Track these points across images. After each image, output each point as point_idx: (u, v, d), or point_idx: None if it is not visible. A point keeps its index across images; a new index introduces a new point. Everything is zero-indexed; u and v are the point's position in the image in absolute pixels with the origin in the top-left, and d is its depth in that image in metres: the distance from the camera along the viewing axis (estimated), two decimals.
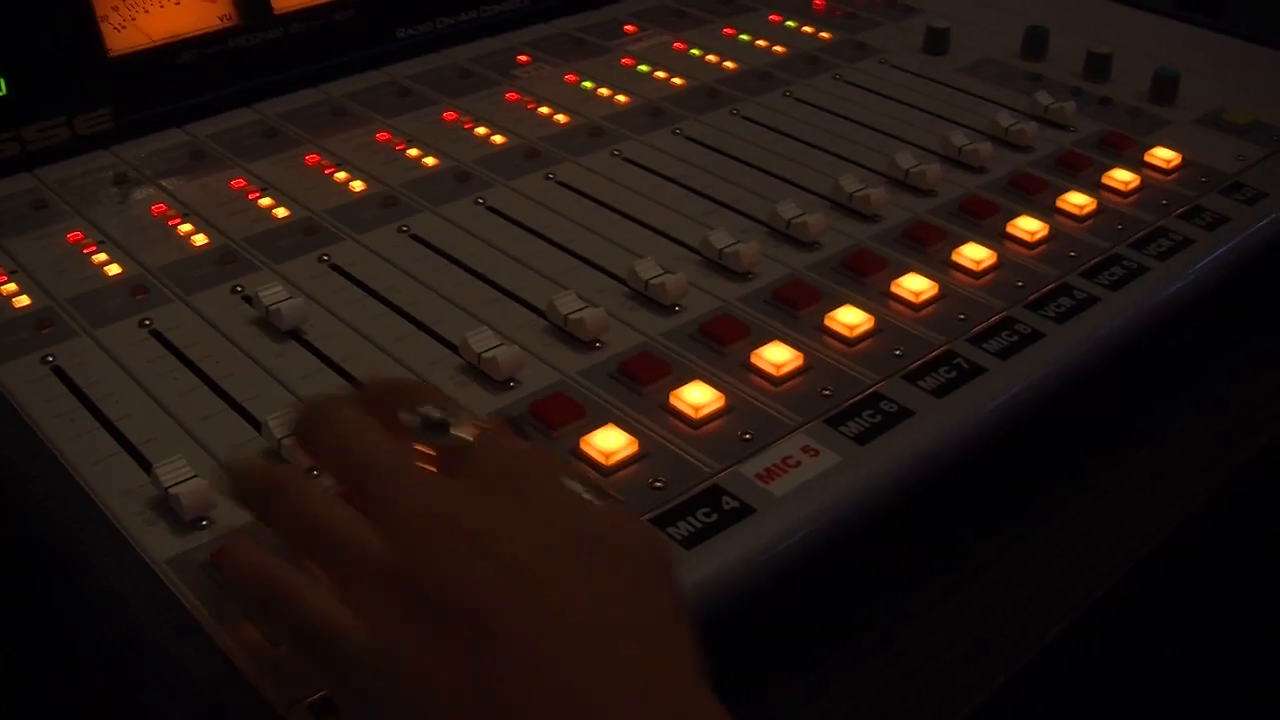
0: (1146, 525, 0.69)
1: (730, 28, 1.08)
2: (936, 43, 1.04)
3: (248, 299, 0.71)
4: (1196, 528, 0.71)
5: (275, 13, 0.93)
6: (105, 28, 0.85)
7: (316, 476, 0.48)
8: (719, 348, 0.67)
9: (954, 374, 0.66)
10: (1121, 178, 0.84)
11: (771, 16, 1.10)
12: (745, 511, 0.57)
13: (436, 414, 0.47)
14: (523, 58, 1.02)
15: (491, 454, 0.46)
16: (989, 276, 0.74)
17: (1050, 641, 0.63)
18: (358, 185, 0.83)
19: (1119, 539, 0.69)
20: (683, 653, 0.42)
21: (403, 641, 0.40)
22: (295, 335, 0.68)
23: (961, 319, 0.70)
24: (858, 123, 0.92)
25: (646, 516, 0.56)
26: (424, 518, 0.43)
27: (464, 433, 0.47)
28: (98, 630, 0.56)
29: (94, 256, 0.75)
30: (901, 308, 0.71)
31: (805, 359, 0.66)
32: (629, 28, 1.07)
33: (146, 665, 0.51)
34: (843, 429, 0.62)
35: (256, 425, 0.61)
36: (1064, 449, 0.73)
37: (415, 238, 0.77)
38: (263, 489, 0.47)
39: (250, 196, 0.82)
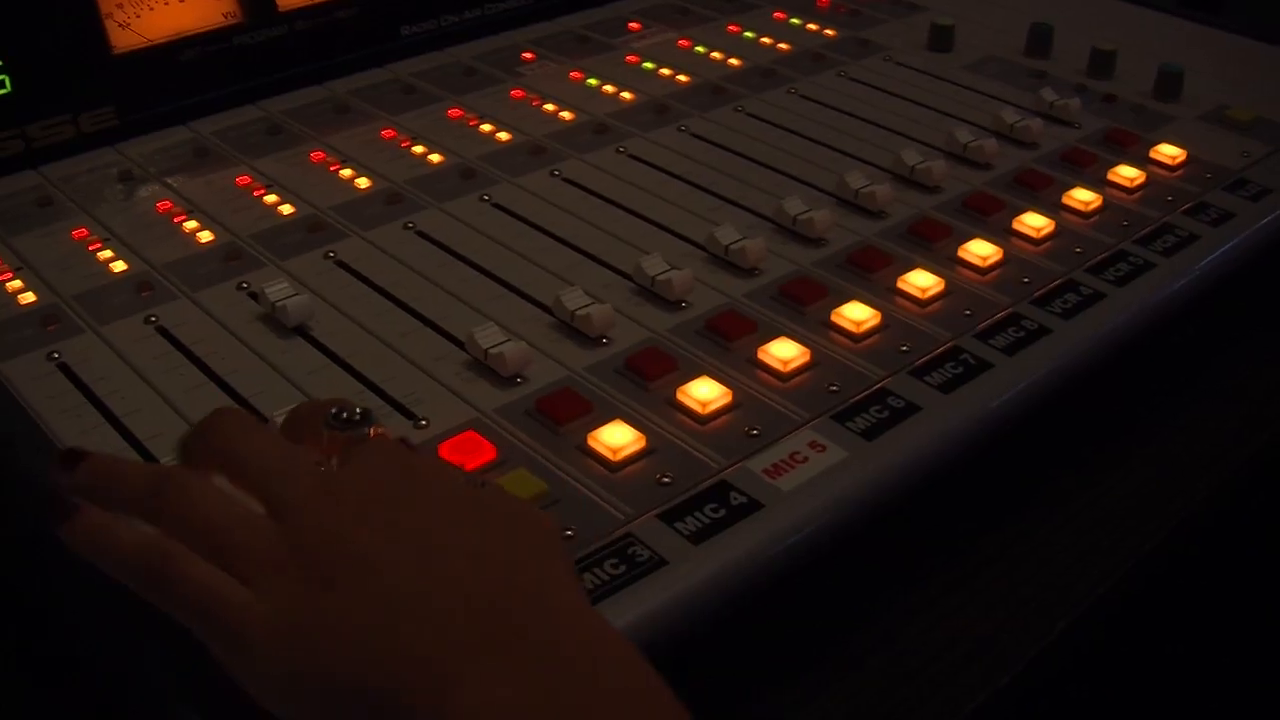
0: (1149, 522, 0.69)
1: (735, 25, 1.08)
2: (941, 40, 1.04)
3: (253, 295, 0.71)
4: (1198, 524, 0.71)
5: (279, 10, 0.93)
6: (110, 25, 0.85)
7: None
8: (725, 343, 0.67)
9: (960, 370, 0.66)
10: (1127, 174, 0.84)
11: (776, 14, 1.10)
12: (753, 507, 0.57)
13: (353, 411, 0.49)
14: (527, 55, 1.02)
15: (381, 444, 0.47)
16: (995, 273, 0.74)
17: (1053, 639, 0.62)
18: (363, 182, 0.83)
19: (1121, 535, 0.69)
20: (578, 605, 0.44)
21: (294, 607, 0.42)
22: (301, 332, 0.68)
23: (968, 315, 0.70)
24: (863, 119, 0.92)
25: (653, 512, 0.56)
26: (309, 493, 0.44)
27: (367, 431, 0.48)
28: (103, 630, 0.56)
29: (99, 253, 0.75)
30: (908, 304, 0.71)
31: (812, 355, 0.66)
32: (633, 25, 1.07)
33: (154, 665, 0.51)
34: (850, 424, 0.62)
35: (263, 422, 0.61)
36: (1068, 445, 0.73)
37: (421, 234, 0.77)
38: (146, 487, 0.47)
39: (255, 193, 0.82)
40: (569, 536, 0.54)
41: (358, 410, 0.49)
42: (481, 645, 0.40)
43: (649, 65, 1.00)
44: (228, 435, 0.48)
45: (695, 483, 0.58)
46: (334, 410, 0.49)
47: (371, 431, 0.48)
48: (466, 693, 0.39)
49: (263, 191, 0.82)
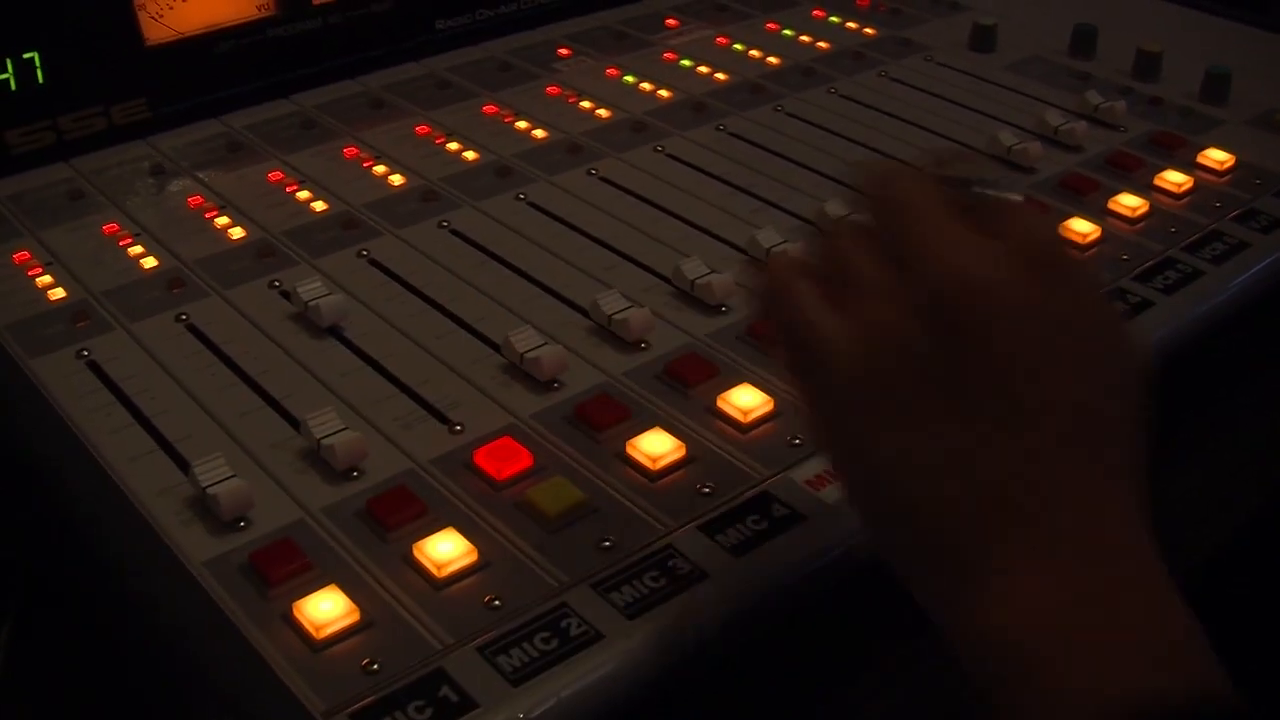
0: (1198, 530, 0.68)
1: (773, 23, 1.06)
2: (983, 40, 1.02)
3: (286, 294, 0.70)
4: (1246, 535, 0.70)
5: (313, 3, 0.91)
6: (143, 17, 0.84)
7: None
8: (766, 350, 0.65)
9: None
10: (1174, 179, 0.82)
11: (815, 12, 1.09)
12: (795, 519, 0.55)
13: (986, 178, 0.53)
14: (563, 51, 1.00)
15: (1029, 226, 0.49)
16: None
17: None
18: (397, 179, 0.82)
19: (1174, 543, 0.67)
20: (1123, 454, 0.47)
21: (886, 349, 0.47)
22: (334, 332, 0.67)
23: None
24: (904, 120, 0.91)
25: (694, 523, 0.55)
26: (946, 274, 0.47)
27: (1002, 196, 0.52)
28: (132, 633, 0.55)
29: (130, 249, 0.74)
30: None
31: None
32: (670, 22, 1.06)
33: (181, 669, 0.51)
34: None
35: (295, 423, 0.60)
36: None
37: (456, 233, 0.76)
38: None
39: (288, 189, 0.81)
40: (607, 547, 0.53)
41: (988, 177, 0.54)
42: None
43: (687, 63, 0.99)
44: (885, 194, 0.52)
45: (737, 493, 0.57)
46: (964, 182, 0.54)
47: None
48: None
49: (295, 187, 0.81)
